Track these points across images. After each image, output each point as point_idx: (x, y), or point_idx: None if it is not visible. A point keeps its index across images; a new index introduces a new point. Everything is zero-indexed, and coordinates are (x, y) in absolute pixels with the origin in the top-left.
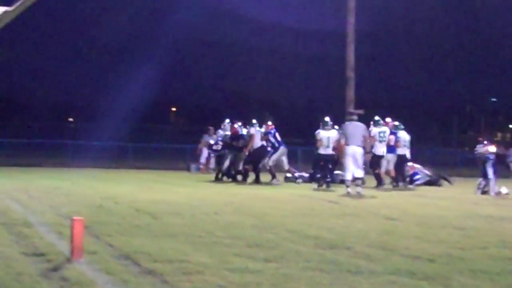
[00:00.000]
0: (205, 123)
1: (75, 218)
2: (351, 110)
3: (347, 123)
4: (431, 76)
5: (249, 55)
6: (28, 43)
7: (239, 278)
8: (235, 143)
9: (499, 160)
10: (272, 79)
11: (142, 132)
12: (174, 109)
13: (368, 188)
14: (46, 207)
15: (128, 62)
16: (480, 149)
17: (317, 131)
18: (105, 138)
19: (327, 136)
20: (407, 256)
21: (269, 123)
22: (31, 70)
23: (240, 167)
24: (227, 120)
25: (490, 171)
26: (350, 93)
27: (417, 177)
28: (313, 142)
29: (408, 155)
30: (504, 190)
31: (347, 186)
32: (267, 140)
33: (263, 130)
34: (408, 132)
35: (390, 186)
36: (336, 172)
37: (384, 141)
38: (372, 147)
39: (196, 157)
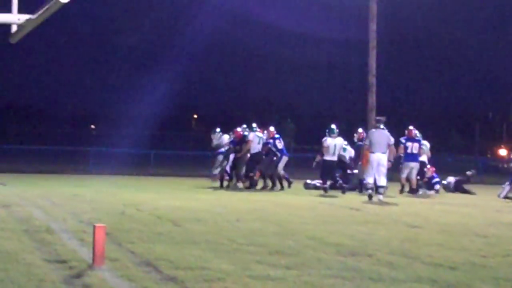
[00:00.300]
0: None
1: (97, 225)
2: (379, 117)
3: (373, 130)
4: (453, 83)
5: (271, 62)
6: (51, 52)
7: (260, 286)
8: (238, 147)
9: None
10: (293, 86)
11: (163, 139)
12: (195, 116)
13: (389, 196)
14: (68, 214)
15: (150, 70)
16: None
17: (324, 139)
18: (127, 145)
19: (334, 143)
20: (429, 263)
21: (271, 129)
22: (54, 78)
23: (242, 172)
24: (218, 129)
25: None
26: (372, 99)
27: (435, 180)
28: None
29: (426, 162)
30: None
31: (370, 193)
32: (269, 150)
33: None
34: (430, 139)
35: (409, 194)
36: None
37: None
38: (400, 156)
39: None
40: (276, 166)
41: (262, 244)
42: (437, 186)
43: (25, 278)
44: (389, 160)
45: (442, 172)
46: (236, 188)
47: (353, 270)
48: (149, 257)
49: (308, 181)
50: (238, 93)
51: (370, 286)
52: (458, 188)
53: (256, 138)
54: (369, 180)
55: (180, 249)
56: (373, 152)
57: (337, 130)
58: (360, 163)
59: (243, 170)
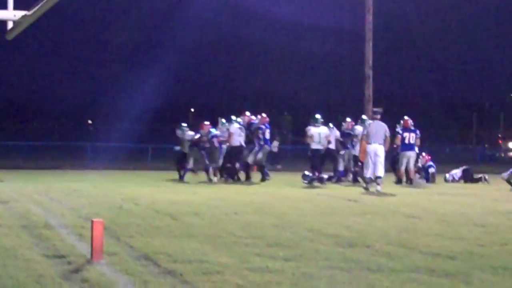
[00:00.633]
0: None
1: (95, 219)
2: (376, 109)
3: (370, 121)
4: (450, 74)
5: (267, 54)
6: (45, 47)
7: (259, 278)
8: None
9: None
10: (290, 78)
11: (161, 133)
12: (192, 109)
13: (387, 185)
14: (66, 209)
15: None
16: None
17: (307, 128)
18: (124, 139)
19: (318, 132)
20: (427, 253)
21: (264, 115)
22: (49, 73)
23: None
24: (184, 124)
25: None
26: (369, 91)
27: (431, 169)
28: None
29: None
30: None
31: (367, 183)
32: (257, 137)
33: (249, 122)
34: (427, 129)
35: (407, 184)
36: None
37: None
38: (397, 146)
39: None
40: (255, 155)
41: (260, 237)
42: (432, 170)
43: (24, 273)
44: (385, 151)
45: (440, 162)
46: (210, 182)
47: (351, 261)
48: (147, 251)
49: (306, 172)
50: (234, 86)
51: (369, 277)
52: (467, 177)
53: (237, 130)
54: (367, 173)
55: (178, 243)
56: (370, 143)
57: (322, 120)
58: (342, 152)
59: (217, 163)
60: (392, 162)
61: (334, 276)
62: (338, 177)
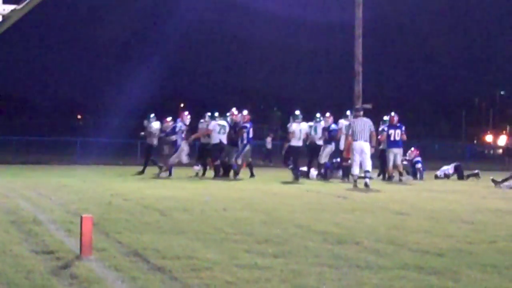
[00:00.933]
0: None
1: (84, 215)
2: (358, 106)
3: (354, 119)
4: (439, 70)
5: (257, 49)
6: (35, 42)
7: (248, 274)
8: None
9: (509, 153)
10: (279, 74)
11: None
12: (182, 104)
13: (375, 182)
14: (55, 204)
15: (136, 59)
16: None
17: (289, 124)
18: (113, 135)
19: (299, 128)
20: (416, 250)
21: (245, 112)
22: (39, 68)
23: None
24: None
25: None
26: (358, 87)
27: (418, 165)
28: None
29: None
30: None
31: (355, 181)
32: (241, 136)
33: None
34: (416, 126)
35: (398, 180)
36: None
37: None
38: (380, 143)
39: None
40: (239, 154)
41: (249, 233)
42: (419, 165)
43: (12, 269)
44: (372, 146)
45: (429, 158)
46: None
47: (340, 258)
48: (136, 247)
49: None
50: (224, 81)
51: (357, 274)
52: (459, 173)
53: (217, 127)
54: (355, 170)
55: (168, 239)
56: (355, 140)
57: (301, 116)
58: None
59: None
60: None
61: (323, 273)
62: (325, 170)
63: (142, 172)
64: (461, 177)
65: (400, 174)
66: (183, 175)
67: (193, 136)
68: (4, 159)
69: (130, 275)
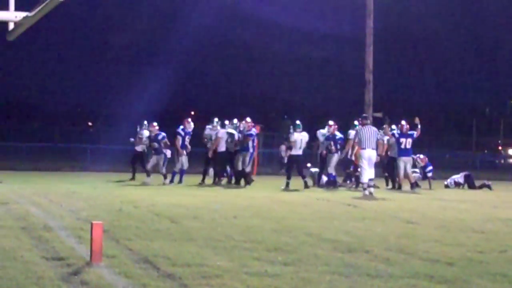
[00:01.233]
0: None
1: (94, 222)
2: (365, 114)
3: (361, 127)
4: (450, 79)
5: (268, 58)
6: (47, 49)
7: (258, 282)
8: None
9: None
10: (290, 83)
11: None
12: (193, 112)
13: (381, 190)
14: (65, 211)
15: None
16: None
17: (290, 133)
18: (124, 142)
19: (300, 138)
20: (426, 259)
21: (248, 119)
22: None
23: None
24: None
25: None
26: (369, 96)
27: (429, 168)
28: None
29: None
30: None
31: (364, 189)
32: (247, 143)
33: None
34: (426, 135)
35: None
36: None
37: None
38: (387, 151)
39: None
40: (248, 162)
41: (259, 241)
42: (430, 174)
43: (23, 275)
44: (378, 155)
45: (439, 167)
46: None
47: (350, 266)
48: (146, 254)
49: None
50: (235, 90)
51: (368, 282)
52: (470, 183)
53: (225, 135)
54: (365, 178)
55: (178, 246)
56: (364, 149)
57: (301, 125)
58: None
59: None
60: (385, 167)
61: (333, 281)
62: (330, 181)
63: (132, 178)
64: (471, 186)
65: (412, 185)
66: (192, 182)
67: (212, 148)
68: (15, 166)
69: (140, 282)
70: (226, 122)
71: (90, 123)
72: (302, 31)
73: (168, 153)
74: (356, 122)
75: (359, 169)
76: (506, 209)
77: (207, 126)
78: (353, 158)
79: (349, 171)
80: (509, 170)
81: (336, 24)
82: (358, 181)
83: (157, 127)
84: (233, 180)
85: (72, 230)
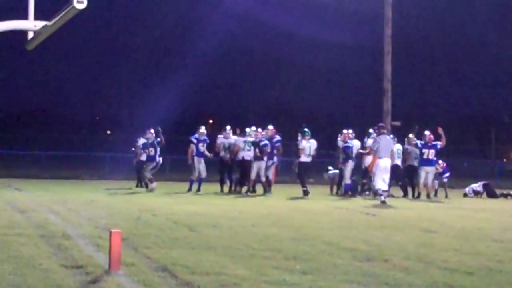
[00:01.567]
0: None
1: (113, 230)
2: (382, 123)
3: (380, 136)
4: (468, 87)
5: (286, 68)
6: (66, 57)
7: None
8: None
9: None
10: (308, 91)
11: (179, 144)
12: (211, 121)
13: (399, 199)
14: (84, 219)
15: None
16: None
17: (299, 141)
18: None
19: (309, 145)
20: (445, 268)
21: (270, 127)
22: (69, 83)
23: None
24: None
25: None
26: (387, 105)
27: (446, 174)
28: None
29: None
30: None
31: (380, 195)
32: (263, 152)
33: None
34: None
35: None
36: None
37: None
38: (405, 159)
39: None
40: (267, 170)
41: (277, 249)
42: (446, 180)
43: (42, 283)
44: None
45: (458, 176)
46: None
47: (369, 275)
48: (165, 262)
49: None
50: (253, 98)
51: None
52: (489, 192)
53: (242, 143)
54: (380, 186)
55: (196, 254)
56: (381, 158)
57: (310, 133)
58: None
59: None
60: (398, 177)
61: None
62: (346, 190)
63: (137, 185)
64: (490, 195)
65: (428, 195)
66: (210, 191)
67: (231, 156)
68: (34, 174)
69: None
70: (247, 129)
71: (108, 132)
72: (321, 40)
73: (160, 160)
74: (371, 130)
75: (372, 178)
76: None
77: (219, 136)
78: (366, 166)
79: (365, 181)
80: None
81: (354, 33)
82: (374, 192)
83: (154, 134)
84: (238, 188)
85: (90, 238)
